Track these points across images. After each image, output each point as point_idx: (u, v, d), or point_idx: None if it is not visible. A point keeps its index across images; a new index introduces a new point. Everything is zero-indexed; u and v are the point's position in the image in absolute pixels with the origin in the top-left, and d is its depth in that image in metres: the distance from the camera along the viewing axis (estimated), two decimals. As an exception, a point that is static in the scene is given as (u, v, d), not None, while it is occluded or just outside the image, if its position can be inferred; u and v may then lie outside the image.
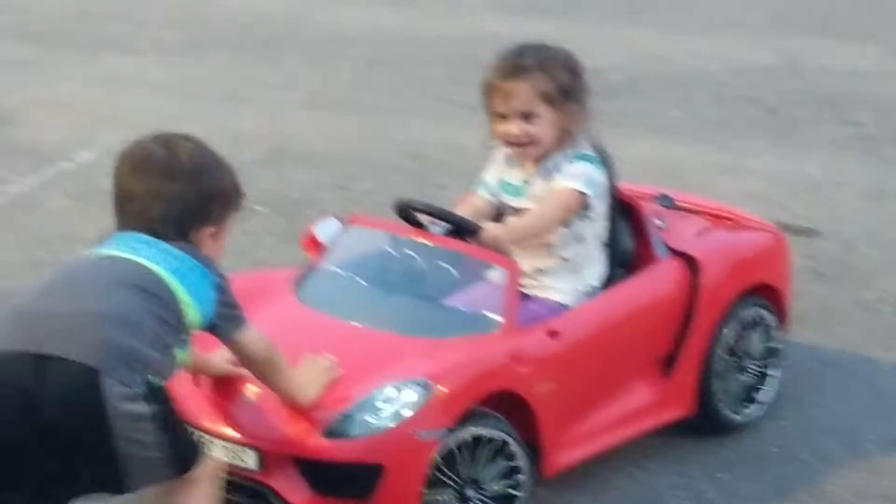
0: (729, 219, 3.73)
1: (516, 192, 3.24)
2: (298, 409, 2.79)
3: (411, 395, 2.82)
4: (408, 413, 2.78)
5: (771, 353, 3.55)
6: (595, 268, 3.25)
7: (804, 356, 4.10)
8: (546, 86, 3.10)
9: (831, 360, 4.08)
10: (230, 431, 2.82)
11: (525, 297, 3.21)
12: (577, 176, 3.12)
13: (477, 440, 2.90)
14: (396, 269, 3.20)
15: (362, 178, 5.45)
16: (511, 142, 3.13)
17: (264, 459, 2.77)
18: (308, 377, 2.80)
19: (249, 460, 2.76)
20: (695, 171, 5.56)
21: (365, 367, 2.91)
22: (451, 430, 2.84)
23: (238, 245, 3.76)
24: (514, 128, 3.09)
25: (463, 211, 3.23)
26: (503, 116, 3.09)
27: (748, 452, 3.33)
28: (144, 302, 2.39)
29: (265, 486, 2.80)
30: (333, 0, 9.04)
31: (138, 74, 7.03)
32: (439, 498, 2.87)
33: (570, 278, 3.23)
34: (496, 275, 3.11)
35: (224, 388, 2.93)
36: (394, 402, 2.81)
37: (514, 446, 2.96)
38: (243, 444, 2.79)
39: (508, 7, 8.27)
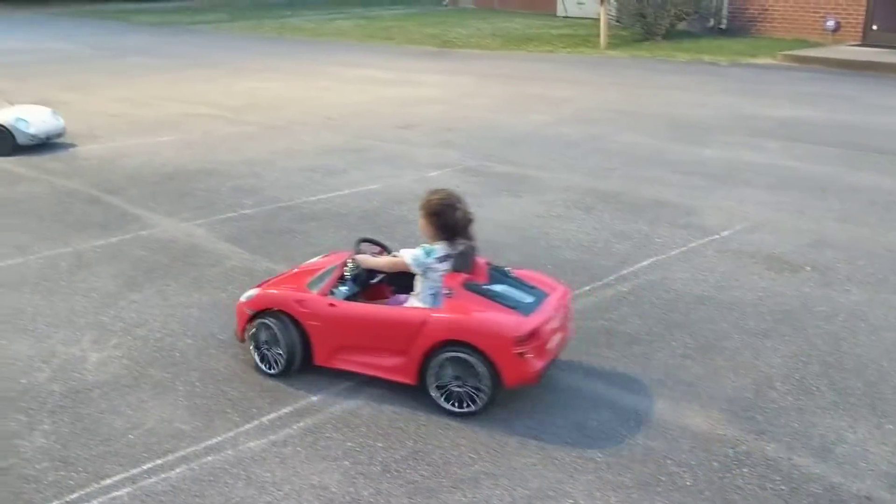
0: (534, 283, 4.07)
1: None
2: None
3: (251, 293, 4.25)
4: (246, 298, 4.22)
5: (479, 381, 3.75)
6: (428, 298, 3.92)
7: None
8: (421, 208, 3.93)
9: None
10: None
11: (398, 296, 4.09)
12: (410, 254, 3.93)
13: (268, 325, 4.06)
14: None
15: None
16: None
17: None
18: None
19: None
20: None
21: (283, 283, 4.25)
22: (258, 313, 4.12)
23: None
24: None
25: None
26: None
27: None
28: None
29: None
30: None
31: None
32: (255, 334, 4.11)
33: (414, 300, 3.99)
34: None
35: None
36: (250, 294, 4.24)
37: (280, 337, 4.06)
38: None
39: None
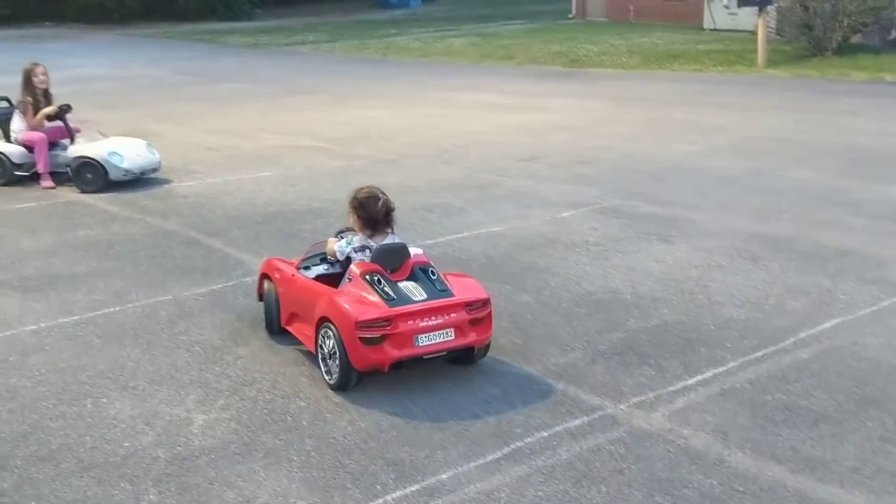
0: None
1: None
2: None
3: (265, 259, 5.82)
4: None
5: (337, 350, 4.74)
6: None
7: None
8: (349, 203, 5.09)
9: None
10: None
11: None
12: (338, 244, 5.14)
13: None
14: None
15: None
16: None
17: None
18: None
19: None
20: None
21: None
22: (263, 276, 5.62)
23: None
24: None
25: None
26: None
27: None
28: None
29: None
30: None
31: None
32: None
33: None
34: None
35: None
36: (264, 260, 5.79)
37: (266, 296, 5.58)
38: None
39: None
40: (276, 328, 5.54)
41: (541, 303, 6.22)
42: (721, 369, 5.13)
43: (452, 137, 12.45)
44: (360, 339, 4.66)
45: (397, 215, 5.21)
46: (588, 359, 5.30)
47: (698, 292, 6.36)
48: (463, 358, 5.09)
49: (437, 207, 8.84)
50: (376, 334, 4.66)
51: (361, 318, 4.66)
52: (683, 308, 6.07)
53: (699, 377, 5.04)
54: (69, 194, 9.65)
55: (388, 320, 4.68)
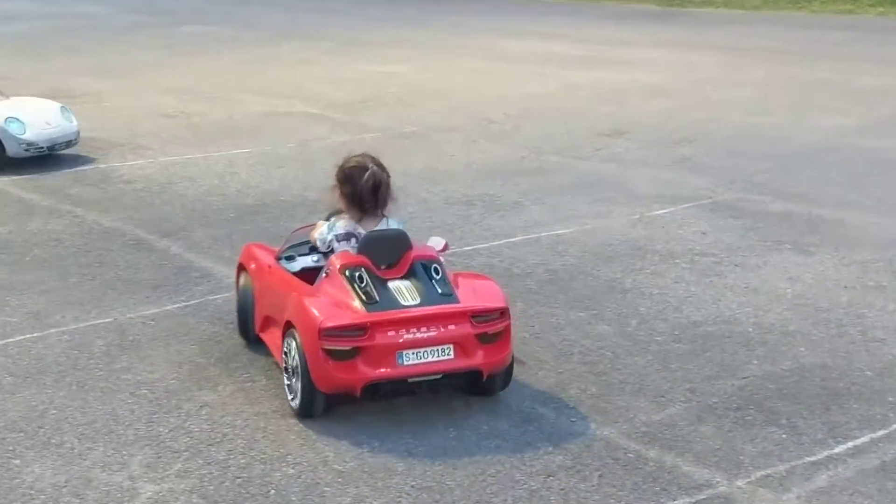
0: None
1: None
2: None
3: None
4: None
5: (299, 365, 4.92)
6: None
7: None
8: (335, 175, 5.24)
9: None
10: None
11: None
12: (319, 228, 5.35)
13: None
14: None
15: None
16: None
17: None
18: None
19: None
20: None
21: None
22: (241, 268, 5.87)
23: None
24: None
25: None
26: None
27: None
28: None
29: None
30: None
31: None
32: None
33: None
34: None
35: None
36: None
37: (243, 291, 5.83)
38: None
39: None
40: (251, 335, 5.78)
41: (626, 336, 6.17)
42: (881, 433, 5.05)
43: (501, 103, 12.43)
44: (325, 351, 4.79)
45: (400, 195, 5.35)
46: (692, 416, 5.24)
47: (849, 324, 6.29)
48: (474, 387, 5.12)
49: (480, 200, 8.81)
50: (345, 346, 4.80)
51: (326, 324, 4.79)
52: (828, 346, 6.00)
53: (850, 444, 4.96)
54: (-31, 177, 9.70)
55: (363, 329, 4.80)
